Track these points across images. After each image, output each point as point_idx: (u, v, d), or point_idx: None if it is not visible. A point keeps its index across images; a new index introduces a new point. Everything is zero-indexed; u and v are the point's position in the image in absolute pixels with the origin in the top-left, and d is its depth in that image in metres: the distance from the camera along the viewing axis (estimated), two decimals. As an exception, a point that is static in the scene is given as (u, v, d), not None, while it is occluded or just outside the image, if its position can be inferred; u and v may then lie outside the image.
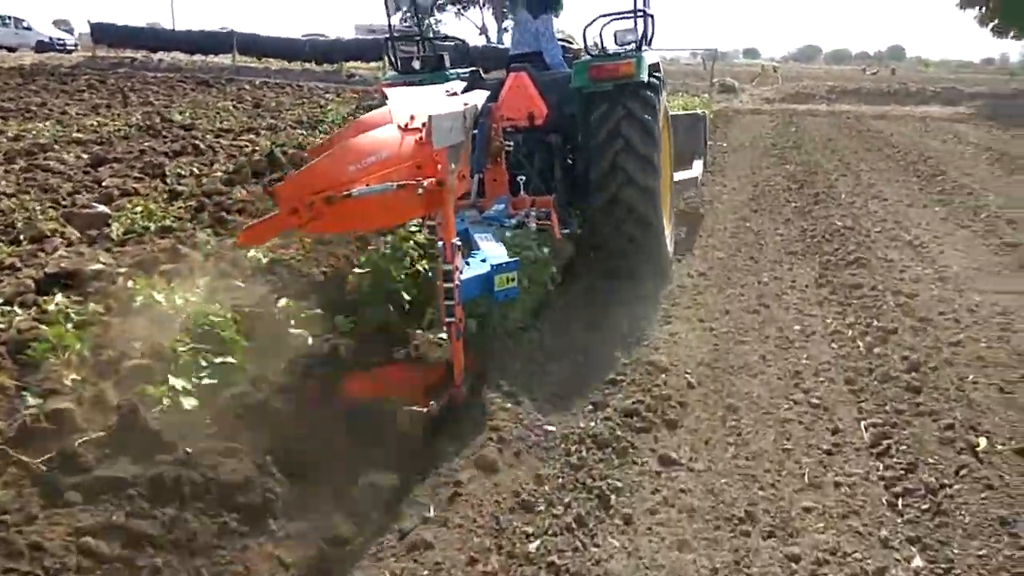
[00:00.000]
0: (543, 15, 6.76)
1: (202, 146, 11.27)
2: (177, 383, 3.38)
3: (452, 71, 6.25)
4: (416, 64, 6.30)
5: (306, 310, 4.31)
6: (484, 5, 66.21)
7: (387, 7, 6.55)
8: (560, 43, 6.84)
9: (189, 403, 3.37)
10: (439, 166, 3.36)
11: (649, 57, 6.02)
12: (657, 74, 6.24)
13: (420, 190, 3.24)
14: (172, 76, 27.06)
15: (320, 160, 3.23)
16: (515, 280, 4.03)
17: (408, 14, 6.98)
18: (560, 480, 3.24)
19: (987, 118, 24.21)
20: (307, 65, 34.55)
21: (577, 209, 6.08)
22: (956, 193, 10.24)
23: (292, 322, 4.26)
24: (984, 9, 31.05)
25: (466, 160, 3.92)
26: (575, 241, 5.84)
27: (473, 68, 6.62)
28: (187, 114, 15.60)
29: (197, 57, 35.90)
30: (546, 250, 5.01)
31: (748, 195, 10.34)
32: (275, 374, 3.59)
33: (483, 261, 4.07)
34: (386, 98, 4.00)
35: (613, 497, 3.12)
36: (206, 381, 3.55)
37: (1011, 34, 31.69)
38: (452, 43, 7.35)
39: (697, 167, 8.54)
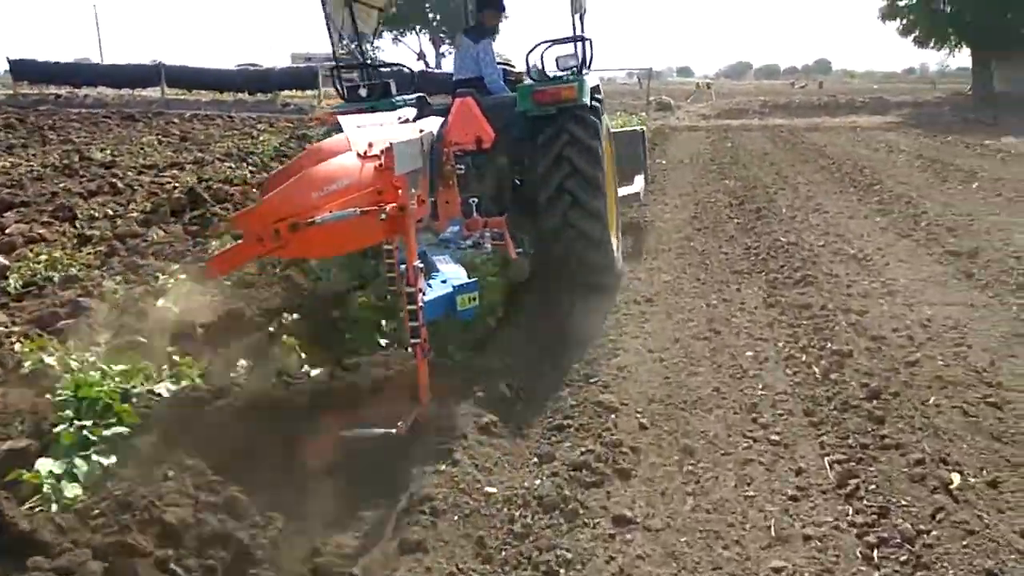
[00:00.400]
0: (483, 40, 6.88)
1: (120, 185, 10.68)
2: (55, 467, 2.93)
3: (399, 98, 6.34)
4: (363, 92, 6.35)
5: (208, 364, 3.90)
6: (421, 31, 66.19)
7: (331, 36, 6.52)
8: (501, 67, 6.92)
9: (72, 491, 2.92)
10: (400, 191, 3.46)
11: (590, 80, 6.26)
12: (598, 96, 6.49)
13: (383, 215, 3.34)
14: (97, 112, 26.04)
15: (283, 188, 3.28)
16: (476, 299, 4.17)
17: (350, 42, 6.94)
18: (503, 554, 2.87)
19: (914, 126, 24.91)
20: (240, 95, 33.76)
21: (526, 233, 6.08)
22: (894, 203, 10.27)
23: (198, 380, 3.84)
24: (905, 21, 32.02)
25: (425, 185, 4.02)
26: (530, 260, 5.82)
27: (420, 94, 6.68)
28: (108, 151, 14.89)
29: (124, 91, 34.81)
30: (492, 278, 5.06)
31: (690, 213, 10.20)
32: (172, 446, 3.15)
33: (444, 282, 4.19)
34: (338, 126, 4.16)
35: (562, 572, 2.77)
36: (96, 458, 3.11)
37: (931, 44, 32.78)
38: (395, 69, 7.57)
39: (639, 182, 8.73)
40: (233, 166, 12.86)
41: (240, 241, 3.34)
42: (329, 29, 6.47)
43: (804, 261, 7.23)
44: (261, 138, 18.07)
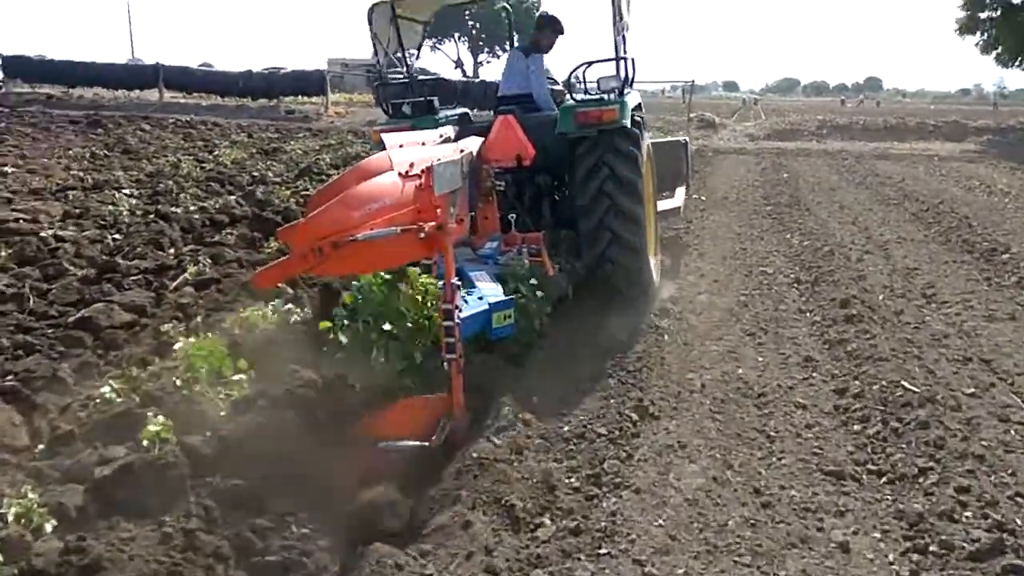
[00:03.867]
0: (533, 54, 6.81)
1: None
2: None
3: (442, 114, 6.37)
4: (407, 109, 6.38)
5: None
6: (460, 39, 64.33)
7: (376, 53, 6.62)
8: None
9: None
10: (439, 211, 3.55)
11: (631, 98, 6.21)
12: (639, 114, 6.48)
13: (422, 234, 3.45)
14: (67, 114, 23.41)
15: (327, 207, 3.37)
16: (511, 318, 4.24)
17: (395, 54, 6.80)
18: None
19: (1001, 157, 21.14)
20: (242, 101, 31.12)
21: (564, 249, 6.08)
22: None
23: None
24: (986, 36, 28.15)
25: (464, 204, 4.12)
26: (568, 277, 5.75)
27: (463, 111, 6.83)
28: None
29: (120, 93, 32.45)
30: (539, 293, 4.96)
31: (734, 298, 6.79)
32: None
33: (480, 299, 4.22)
34: (382, 144, 4.39)
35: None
36: None
37: (1017, 62, 28.77)
38: (438, 79, 8.54)
39: (679, 195, 8.48)
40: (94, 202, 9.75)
41: (286, 257, 3.51)
42: (375, 47, 6.56)
43: (949, 433, 3.83)
44: (216, 153, 15.10)
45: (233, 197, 9.49)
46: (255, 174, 12.13)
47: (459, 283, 3.76)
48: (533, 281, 4.95)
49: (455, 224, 3.73)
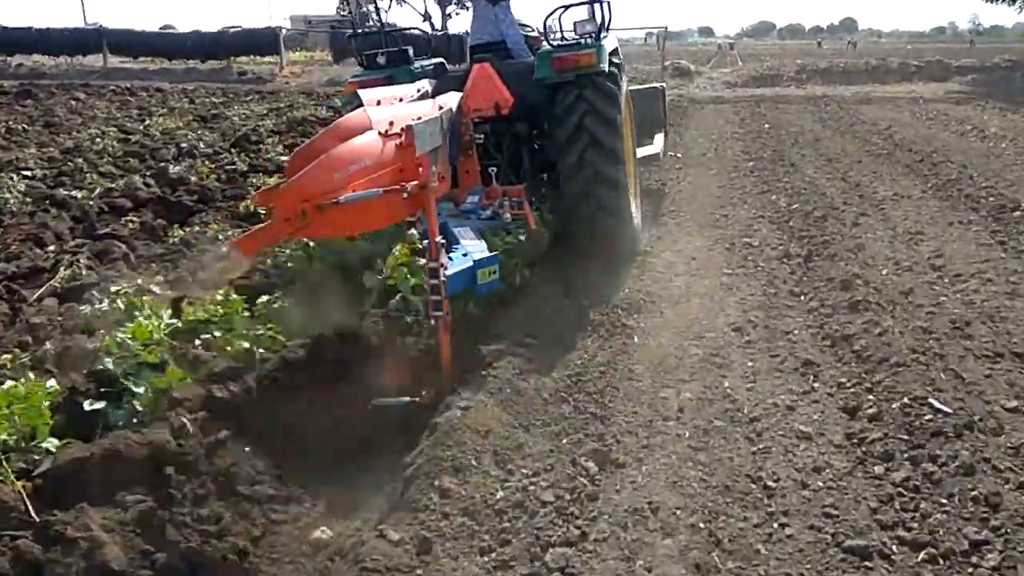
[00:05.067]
0: (500, 2, 6.68)
1: None
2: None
3: (417, 64, 6.30)
4: (381, 59, 6.31)
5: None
6: (426, -9, 62.59)
7: (348, 2, 6.96)
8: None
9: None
10: (421, 170, 3.53)
11: (608, 43, 6.14)
12: (616, 59, 6.39)
13: (405, 194, 3.40)
14: (1, 84, 21.80)
15: (308, 169, 3.32)
16: (496, 273, 4.15)
17: (368, 6, 7.04)
18: None
19: (988, 96, 20.22)
20: (191, 63, 29.38)
21: (545, 200, 6.04)
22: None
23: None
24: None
25: (444, 161, 4.25)
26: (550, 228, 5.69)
27: (439, 61, 6.69)
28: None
29: (63, 60, 30.54)
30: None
31: (716, 280, 5.79)
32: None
33: (465, 255, 4.15)
34: (358, 99, 4.37)
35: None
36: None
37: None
38: (408, 33, 7.27)
39: (658, 141, 8.55)
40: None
41: (267, 222, 3.40)
42: None
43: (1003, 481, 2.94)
44: (148, 123, 13.78)
45: (139, 177, 8.32)
46: (183, 145, 10.91)
47: (443, 240, 3.76)
48: (518, 236, 5.01)
49: (437, 182, 3.80)
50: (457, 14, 65.02)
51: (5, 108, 16.68)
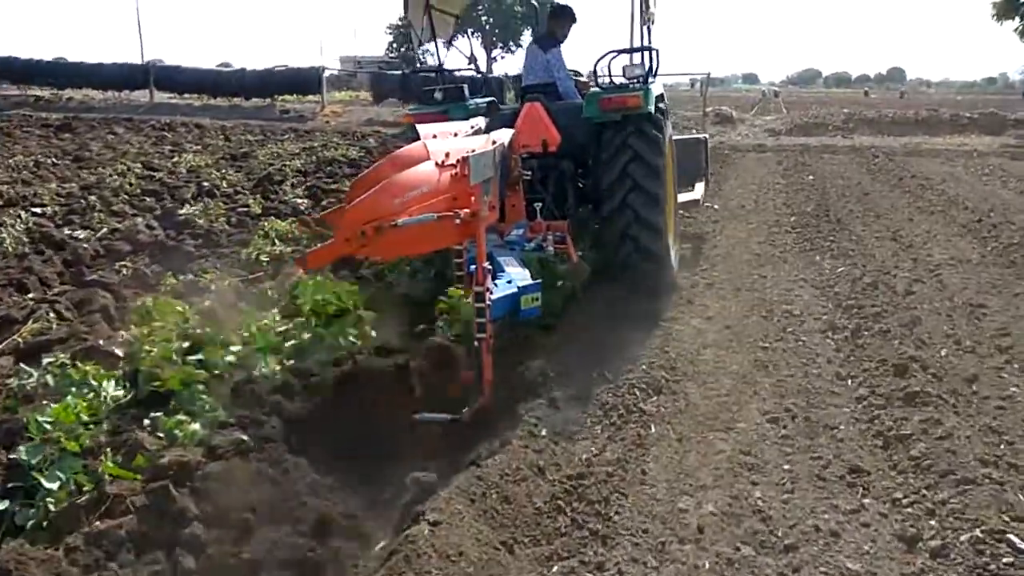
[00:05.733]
0: (552, 48, 7.03)
1: None
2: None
3: (471, 101, 6.62)
4: (438, 95, 6.61)
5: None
6: (474, 35, 63.72)
7: (411, 41, 7.27)
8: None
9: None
10: (473, 199, 3.77)
11: (655, 88, 6.39)
12: (662, 104, 6.76)
13: (457, 220, 3.66)
14: (45, 117, 22.15)
15: (369, 194, 3.64)
16: (538, 300, 4.42)
17: (418, 48, 7.33)
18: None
19: (1047, 152, 19.27)
20: (235, 100, 29.74)
21: (587, 236, 6.45)
22: None
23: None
24: (1025, 20, 26.19)
25: (495, 192, 4.43)
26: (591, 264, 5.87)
27: (491, 99, 7.03)
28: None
29: (111, 94, 31.20)
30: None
31: (750, 356, 5.15)
32: None
33: (509, 283, 4.42)
34: (415, 132, 4.91)
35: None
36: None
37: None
38: (468, 74, 8.10)
39: (699, 189, 8.80)
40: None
41: (331, 240, 3.68)
42: (410, 35, 7.43)
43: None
44: (176, 159, 13.64)
45: (142, 219, 7.99)
46: (204, 184, 10.66)
47: (490, 267, 3.97)
48: (560, 268, 5.38)
49: (488, 211, 4.08)
50: (502, 57, 65.93)
51: (43, 141, 16.78)
